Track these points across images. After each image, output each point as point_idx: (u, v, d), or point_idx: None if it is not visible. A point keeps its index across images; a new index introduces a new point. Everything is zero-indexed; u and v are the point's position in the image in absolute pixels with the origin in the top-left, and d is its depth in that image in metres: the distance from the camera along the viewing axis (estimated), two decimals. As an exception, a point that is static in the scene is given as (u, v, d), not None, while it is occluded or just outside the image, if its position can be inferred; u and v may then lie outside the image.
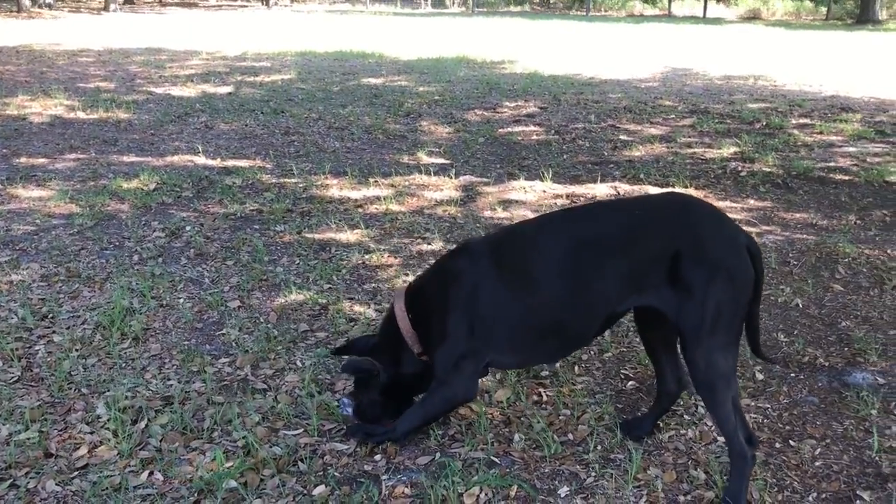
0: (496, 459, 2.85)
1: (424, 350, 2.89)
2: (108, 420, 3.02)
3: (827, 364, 3.52)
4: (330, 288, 4.31)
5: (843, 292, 4.28)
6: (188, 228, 5.17)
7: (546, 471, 2.79)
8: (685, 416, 3.12)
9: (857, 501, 2.62)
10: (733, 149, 7.55)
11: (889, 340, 3.72)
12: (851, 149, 7.70)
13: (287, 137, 8.00)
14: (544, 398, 3.25)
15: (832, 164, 7.07)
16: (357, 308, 4.07)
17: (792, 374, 3.44)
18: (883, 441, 2.93)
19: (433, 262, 3.08)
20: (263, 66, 13.43)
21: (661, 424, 3.04)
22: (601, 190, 6.20)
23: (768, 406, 3.19)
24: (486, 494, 2.65)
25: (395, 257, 4.76)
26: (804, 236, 5.15)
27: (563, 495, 2.66)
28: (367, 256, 4.75)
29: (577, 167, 6.93)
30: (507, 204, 5.82)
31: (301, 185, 6.22)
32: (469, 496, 2.63)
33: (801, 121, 9.08)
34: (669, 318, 2.59)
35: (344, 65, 13.90)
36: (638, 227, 2.66)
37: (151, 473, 2.74)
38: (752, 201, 5.94)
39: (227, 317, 3.94)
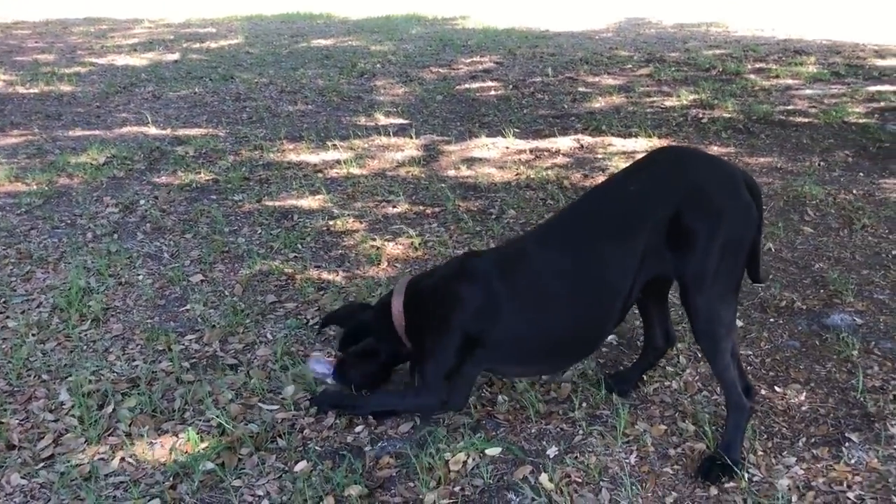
0: (481, 423, 2.78)
1: (415, 353, 2.84)
2: (73, 406, 2.88)
3: (805, 307, 3.50)
4: (296, 257, 4.18)
5: (813, 234, 4.27)
6: (142, 202, 4.97)
7: (533, 431, 2.73)
8: (668, 368, 3.08)
9: (846, 444, 2.60)
10: (692, 96, 7.50)
11: (863, 280, 3.72)
12: (809, 91, 7.71)
13: (239, 103, 7.76)
14: (524, 358, 3.17)
15: (791, 107, 7.06)
16: (325, 276, 3.95)
17: (771, 320, 3.42)
18: (866, 381, 2.92)
19: (440, 267, 2.99)
20: (209, 31, 13.01)
21: (645, 378, 2.99)
22: (564, 143, 6.11)
23: (750, 353, 3.17)
24: (473, 459, 2.58)
25: (361, 222, 4.63)
26: (770, 180, 5.13)
27: (552, 456, 2.60)
28: (331, 222, 4.62)
29: (538, 121, 6.83)
30: (470, 162, 5.70)
31: (257, 152, 6.02)
32: (455, 462, 2.56)
33: (757, 65, 9.05)
34: (671, 276, 2.53)
35: (292, 27, 13.53)
36: (635, 205, 2.54)
37: (123, 460, 2.63)
38: (715, 148, 5.90)
39: (190, 292, 3.79)
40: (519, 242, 2.89)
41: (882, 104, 7.02)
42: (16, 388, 3.03)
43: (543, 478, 2.47)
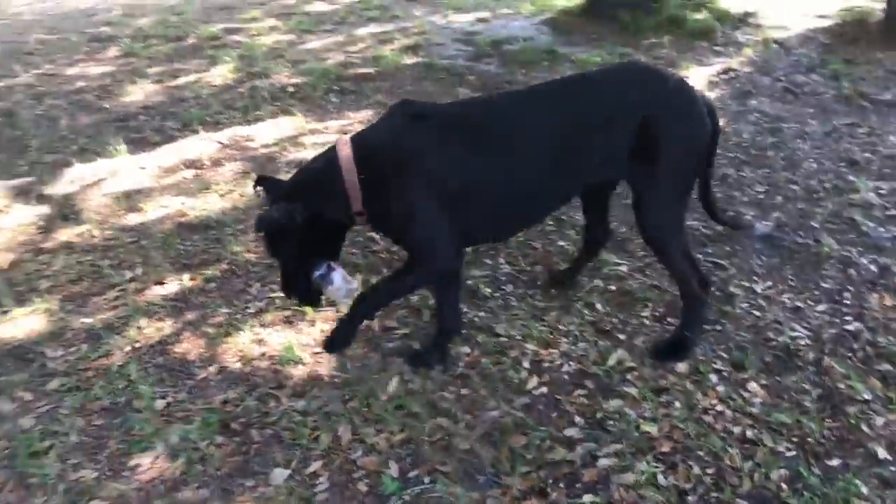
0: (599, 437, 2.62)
1: (381, 222, 2.66)
2: None
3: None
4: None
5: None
6: None
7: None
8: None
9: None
10: (226, 67, 6.78)
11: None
12: (314, 45, 7.61)
13: None
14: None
15: (342, 61, 6.94)
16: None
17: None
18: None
19: (382, 117, 2.72)
20: None
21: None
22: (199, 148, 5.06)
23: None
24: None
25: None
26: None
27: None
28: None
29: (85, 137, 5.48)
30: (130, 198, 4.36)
31: None
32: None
33: (235, 26, 8.50)
34: (627, 182, 2.73)
35: None
36: (607, 101, 2.62)
37: None
38: (356, 114, 5.66)
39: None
40: (477, 100, 3.09)
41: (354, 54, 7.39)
42: None
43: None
